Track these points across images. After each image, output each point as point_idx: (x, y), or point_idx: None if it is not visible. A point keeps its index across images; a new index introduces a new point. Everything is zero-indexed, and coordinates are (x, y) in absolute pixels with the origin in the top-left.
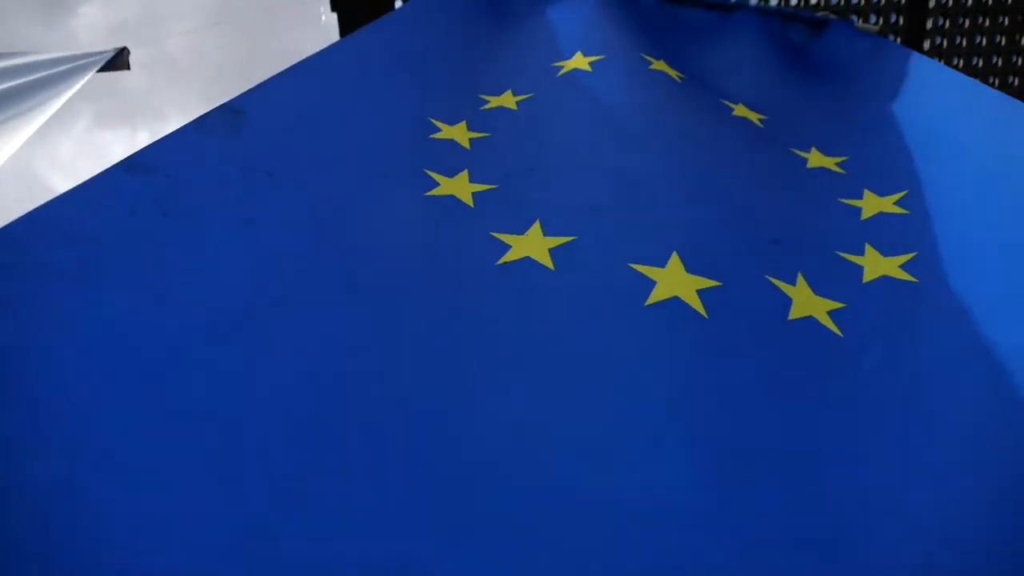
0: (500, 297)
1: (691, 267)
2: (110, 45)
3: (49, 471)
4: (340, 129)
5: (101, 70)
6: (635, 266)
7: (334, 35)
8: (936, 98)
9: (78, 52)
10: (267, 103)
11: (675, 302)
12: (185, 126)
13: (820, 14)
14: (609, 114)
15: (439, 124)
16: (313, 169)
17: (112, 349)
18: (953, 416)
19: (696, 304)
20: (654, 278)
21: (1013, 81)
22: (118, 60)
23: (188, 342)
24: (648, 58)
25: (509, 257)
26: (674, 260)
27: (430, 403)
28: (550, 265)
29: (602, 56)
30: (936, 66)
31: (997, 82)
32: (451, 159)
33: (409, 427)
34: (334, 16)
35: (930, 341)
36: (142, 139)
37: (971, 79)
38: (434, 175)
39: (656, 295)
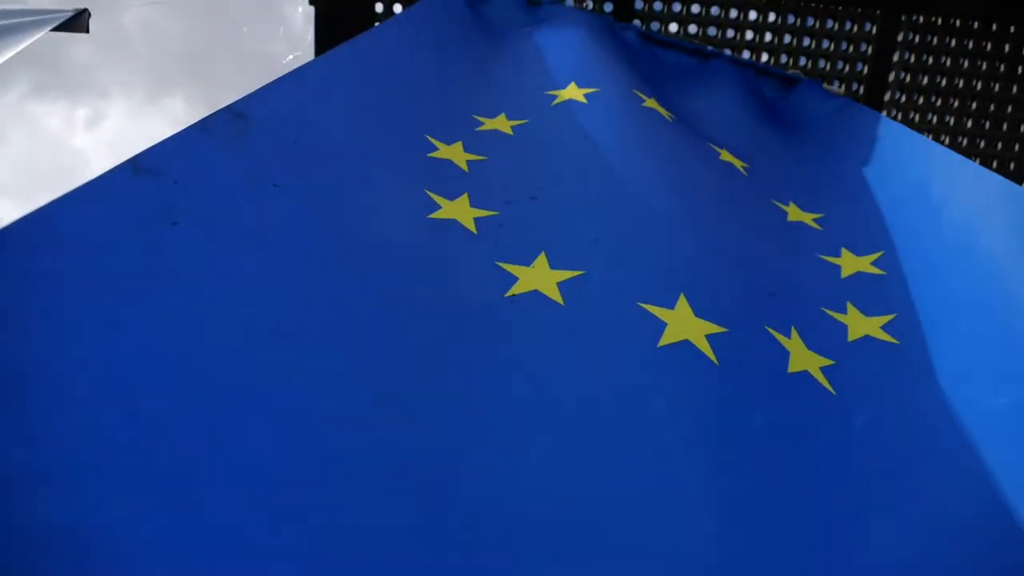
0: (512, 331)
1: (698, 310)
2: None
3: (49, 485)
4: (343, 141)
5: (56, 29)
6: (644, 305)
7: (305, 29)
8: (904, 161)
9: (35, 7)
10: (271, 110)
11: (686, 346)
12: (189, 128)
13: (790, 72)
14: (607, 148)
15: (436, 143)
16: (319, 182)
17: (114, 364)
18: (940, 481)
19: (706, 349)
20: (664, 319)
21: None
22: (77, 21)
23: (191, 361)
24: (640, 95)
25: (517, 289)
26: (682, 302)
27: (441, 438)
28: (559, 300)
29: (596, 89)
30: (904, 130)
31: None
32: (450, 181)
33: (419, 461)
34: (311, 9)
35: (915, 406)
36: (81, 115)
37: (938, 144)
38: (435, 196)
39: (668, 337)
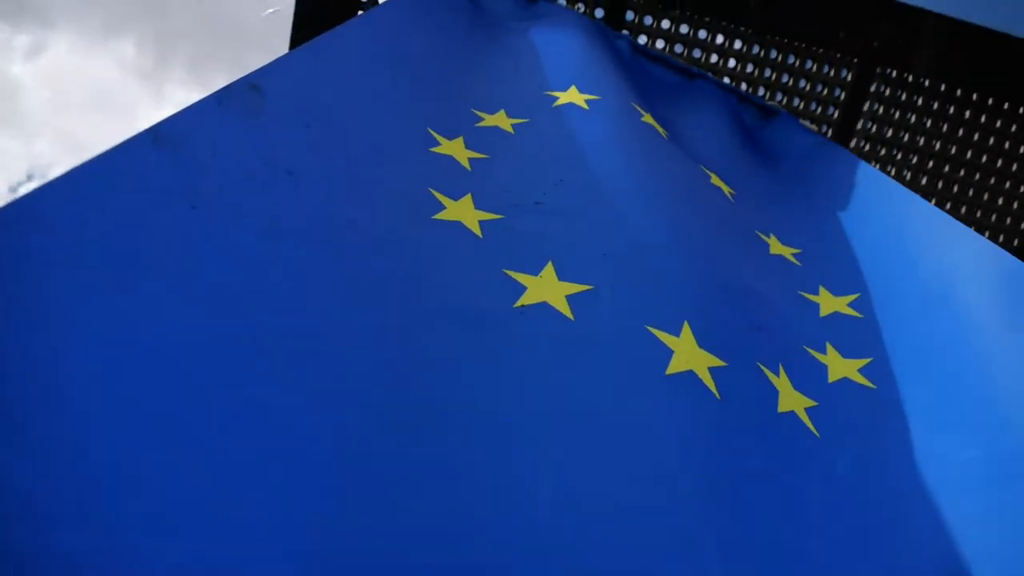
0: (521, 342)
1: (701, 341)
2: None
3: (49, 483)
4: (353, 128)
5: None
6: (652, 330)
7: None
8: (878, 204)
9: None
10: (285, 86)
11: (691, 376)
12: (207, 99)
13: (770, 103)
14: (610, 160)
15: (438, 137)
16: (330, 173)
17: (115, 362)
18: (909, 535)
19: (709, 383)
20: (671, 346)
21: None
22: None
23: (192, 362)
24: (639, 109)
25: (526, 300)
26: (687, 331)
27: (442, 440)
28: (569, 314)
29: (598, 96)
30: (877, 173)
31: None
32: (453, 179)
33: (419, 466)
34: None
35: (889, 455)
36: (20, 43)
37: (912, 192)
38: (439, 196)
39: (675, 366)
